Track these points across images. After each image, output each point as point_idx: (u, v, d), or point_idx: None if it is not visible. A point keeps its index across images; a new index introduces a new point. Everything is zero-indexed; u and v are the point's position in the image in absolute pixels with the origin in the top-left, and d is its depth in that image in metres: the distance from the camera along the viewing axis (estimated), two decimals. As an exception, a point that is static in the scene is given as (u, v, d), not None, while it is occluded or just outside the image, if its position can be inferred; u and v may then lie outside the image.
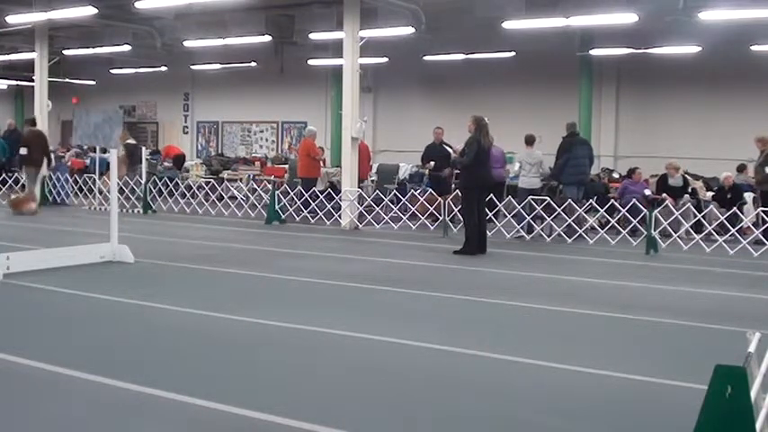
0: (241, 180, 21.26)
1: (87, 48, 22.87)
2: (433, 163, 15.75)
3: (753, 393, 3.35)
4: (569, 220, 13.70)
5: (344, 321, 7.00)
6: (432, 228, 15.13)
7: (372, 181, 18.76)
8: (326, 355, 6.08)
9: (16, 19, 18.19)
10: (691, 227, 13.96)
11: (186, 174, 22.54)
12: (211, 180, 20.77)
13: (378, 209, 16.10)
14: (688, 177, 16.38)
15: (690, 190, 15.94)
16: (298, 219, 16.37)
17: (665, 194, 15.31)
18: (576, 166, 14.17)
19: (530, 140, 14.73)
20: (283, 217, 16.03)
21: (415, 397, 5.04)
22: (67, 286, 8.46)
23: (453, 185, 15.18)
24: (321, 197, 16.24)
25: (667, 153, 18.40)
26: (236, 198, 18.06)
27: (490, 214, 13.94)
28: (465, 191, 12.27)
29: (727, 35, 16.87)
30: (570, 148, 14.12)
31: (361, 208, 15.81)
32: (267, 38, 20.40)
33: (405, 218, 15.73)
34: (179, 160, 22.80)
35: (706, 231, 13.81)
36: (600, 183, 17.76)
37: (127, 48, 22.50)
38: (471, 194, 12.00)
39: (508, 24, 16.99)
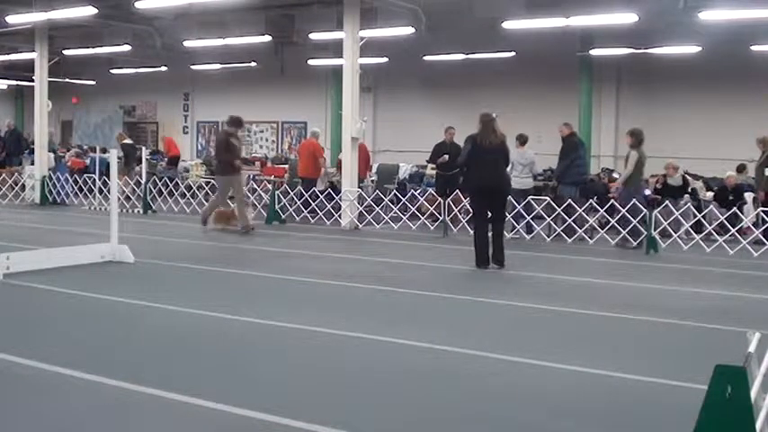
0: (241, 180, 21.23)
1: (87, 48, 22.87)
2: (446, 156, 15.31)
3: (753, 393, 3.35)
4: (569, 221, 13.70)
5: (344, 321, 7.00)
6: (432, 228, 15.13)
7: (372, 181, 18.76)
8: (326, 354, 6.08)
9: (16, 19, 18.18)
10: (691, 227, 13.96)
11: (186, 174, 22.53)
12: (211, 180, 20.75)
13: (378, 209, 16.10)
14: (688, 177, 16.38)
15: (690, 190, 15.94)
16: (298, 219, 16.37)
17: (659, 195, 15.36)
18: (579, 166, 14.20)
19: (522, 140, 14.65)
20: (283, 217, 16.03)
21: (416, 397, 5.04)
22: (67, 286, 8.46)
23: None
24: (321, 197, 16.24)
25: (667, 153, 18.38)
26: (237, 198, 18.03)
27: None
28: (469, 195, 11.55)
29: (727, 35, 16.86)
30: (576, 149, 14.15)
31: (361, 208, 15.81)
32: (267, 38, 20.41)
33: (405, 218, 15.72)
34: (174, 160, 22.82)
35: (706, 231, 13.81)
36: (600, 183, 17.74)
37: (127, 48, 22.51)
38: (473, 199, 11.01)
39: (508, 24, 16.99)
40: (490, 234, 10.50)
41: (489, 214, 10.57)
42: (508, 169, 14.31)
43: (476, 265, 10.41)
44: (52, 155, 21.02)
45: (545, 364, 5.76)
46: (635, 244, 13.08)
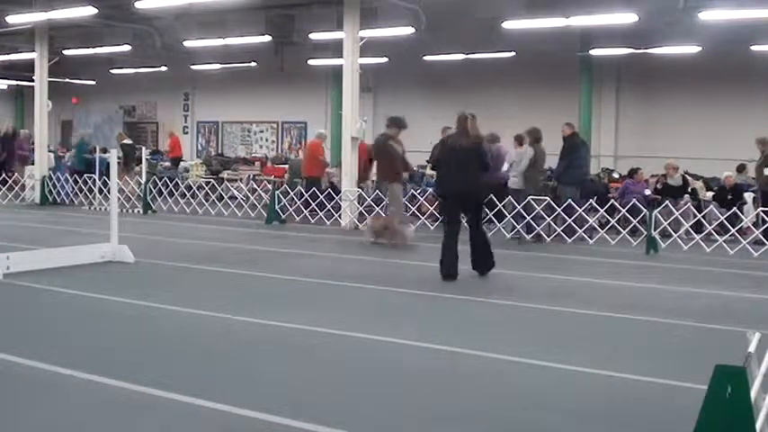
0: (241, 180, 21.27)
1: (87, 48, 22.88)
2: None
3: (753, 393, 3.35)
4: (569, 221, 13.70)
5: (344, 321, 7.00)
6: (432, 228, 15.12)
7: (372, 181, 18.74)
8: (326, 355, 6.08)
9: (16, 19, 18.19)
10: (691, 227, 13.97)
11: (186, 174, 22.55)
12: (211, 180, 20.77)
13: (378, 209, 16.09)
14: (688, 177, 16.39)
15: (690, 190, 15.94)
16: (298, 219, 16.36)
17: (659, 195, 15.38)
18: (579, 166, 14.20)
19: (520, 140, 14.62)
20: (283, 217, 16.02)
21: (415, 397, 5.04)
22: (67, 286, 8.46)
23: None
24: (321, 197, 16.23)
25: (667, 153, 18.40)
26: (236, 198, 18.06)
27: (490, 215, 13.88)
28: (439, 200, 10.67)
29: (727, 35, 16.88)
30: (577, 149, 14.17)
31: (361, 208, 15.81)
32: (267, 38, 20.42)
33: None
34: (175, 161, 22.88)
35: (706, 231, 13.81)
36: (600, 183, 17.76)
37: (127, 48, 22.52)
38: (443, 204, 10.11)
39: (508, 24, 17.00)
40: (470, 244, 9.60)
41: (464, 220, 9.79)
42: (504, 169, 14.31)
43: (441, 277, 9.28)
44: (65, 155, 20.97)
45: (545, 364, 5.76)
46: (528, 238, 13.76)
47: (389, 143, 12.92)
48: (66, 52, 23.12)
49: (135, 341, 6.35)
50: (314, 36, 19.93)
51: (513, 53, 20.79)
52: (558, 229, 13.81)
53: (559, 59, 20.64)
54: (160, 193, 18.52)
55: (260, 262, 10.84)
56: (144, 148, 20.49)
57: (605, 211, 14.73)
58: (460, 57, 21.70)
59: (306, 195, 16.34)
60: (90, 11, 16.86)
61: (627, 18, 15.87)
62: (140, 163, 18.70)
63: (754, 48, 18.25)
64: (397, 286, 9.00)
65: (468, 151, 9.47)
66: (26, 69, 23.27)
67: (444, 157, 9.71)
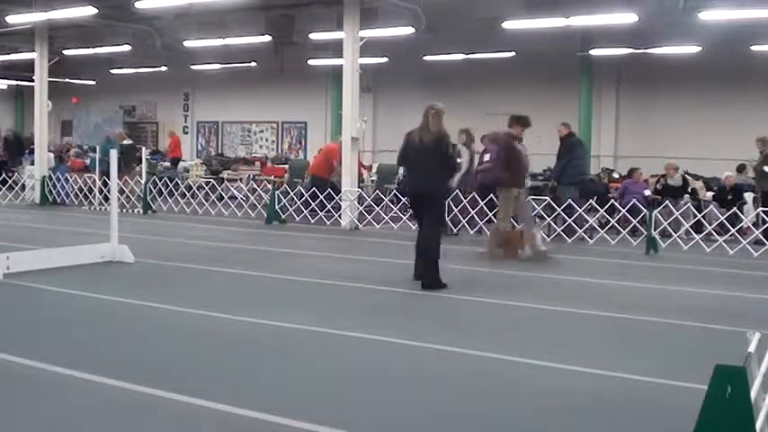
0: (241, 180, 21.27)
1: (87, 48, 22.87)
2: None
3: (753, 393, 3.35)
4: (569, 221, 13.70)
5: (344, 321, 7.00)
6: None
7: (372, 181, 18.75)
8: (326, 355, 6.08)
9: (16, 19, 18.18)
10: (691, 227, 13.97)
11: (186, 174, 22.55)
12: (211, 180, 20.77)
13: (378, 209, 16.10)
14: (688, 177, 16.39)
15: (690, 190, 15.95)
16: (298, 219, 16.37)
17: (659, 195, 15.40)
18: (577, 166, 14.21)
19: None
20: (283, 217, 16.02)
21: (415, 397, 5.04)
22: (67, 286, 8.46)
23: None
24: (321, 197, 16.23)
25: (667, 153, 18.40)
26: (236, 198, 18.06)
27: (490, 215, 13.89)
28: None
29: (727, 35, 16.87)
30: (574, 149, 14.17)
31: (361, 208, 15.81)
32: (267, 38, 20.41)
33: (405, 218, 15.71)
34: (175, 161, 22.88)
35: (706, 231, 13.82)
36: (600, 183, 17.76)
37: (127, 48, 22.51)
38: (409, 204, 9.43)
39: (508, 24, 16.99)
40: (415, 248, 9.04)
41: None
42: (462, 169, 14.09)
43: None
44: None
45: (545, 363, 5.76)
46: (455, 231, 14.30)
47: (514, 144, 11.54)
48: (66, 52, 23.11)
49: (135, 341, 6.35)
50: (314, 36, 19.92)
51: (513, 53, 20.79)
52: (558, 229, 13.81)
53: (559, 59, 20.63)
54: (160, 193, 18.52)
55: (260, 262, 10.84)
56: (144, 148, 20.49)
57: (605, 211, 14.73)
58: (460, 57, 21.69)
59: (306, 195, 16.34)
60: (90, 11, 16.85)
61: (627, 18, 15.86)
62: (140, 163, 18.70)
63: (754, 48, 18.24)
64: (397, 286, 9.00)
65: (430, 148, 8.79)
66: (26, 69, 23.25)
67: (406, 153, 9.09)
